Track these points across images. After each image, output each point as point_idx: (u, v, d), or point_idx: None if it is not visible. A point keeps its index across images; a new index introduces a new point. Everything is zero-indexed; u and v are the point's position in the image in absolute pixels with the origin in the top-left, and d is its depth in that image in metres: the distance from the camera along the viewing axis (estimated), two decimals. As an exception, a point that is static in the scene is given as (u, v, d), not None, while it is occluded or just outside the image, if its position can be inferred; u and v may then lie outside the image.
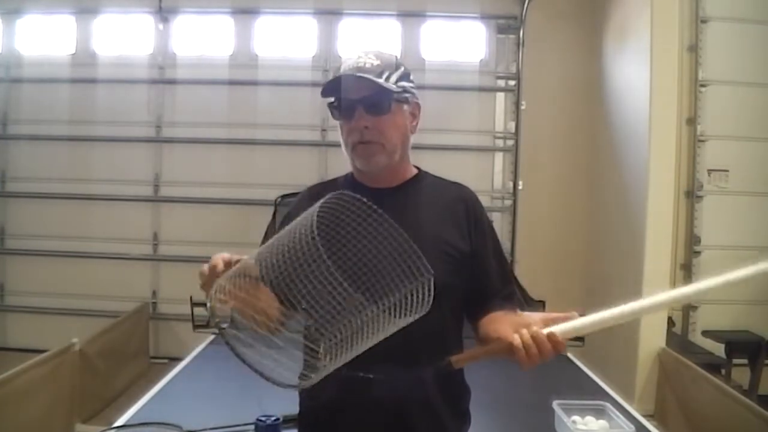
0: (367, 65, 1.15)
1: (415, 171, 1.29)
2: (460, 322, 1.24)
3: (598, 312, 1.02)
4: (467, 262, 1.20)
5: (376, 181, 1.22)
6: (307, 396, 1.25)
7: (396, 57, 1.22)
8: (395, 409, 1.15)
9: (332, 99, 1.18)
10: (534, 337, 0.98)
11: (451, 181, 1.31)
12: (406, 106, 1.21)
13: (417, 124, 1.25)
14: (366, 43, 4.47)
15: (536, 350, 0.97)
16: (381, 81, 1.14)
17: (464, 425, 1.27)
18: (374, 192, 1.17)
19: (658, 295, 1.06)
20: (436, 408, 1.19)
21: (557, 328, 0.99)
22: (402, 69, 1.20)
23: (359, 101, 1.14)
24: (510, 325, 1.03)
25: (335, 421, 1.19)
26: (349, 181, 1.26)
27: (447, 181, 1.30)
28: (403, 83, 1.19)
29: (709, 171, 4.19)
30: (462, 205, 1.25)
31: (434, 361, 1.13)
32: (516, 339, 0.98)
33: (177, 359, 2.60)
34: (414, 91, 1.23)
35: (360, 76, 1.12)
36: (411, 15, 4.53)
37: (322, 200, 0.92)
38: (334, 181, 1.30)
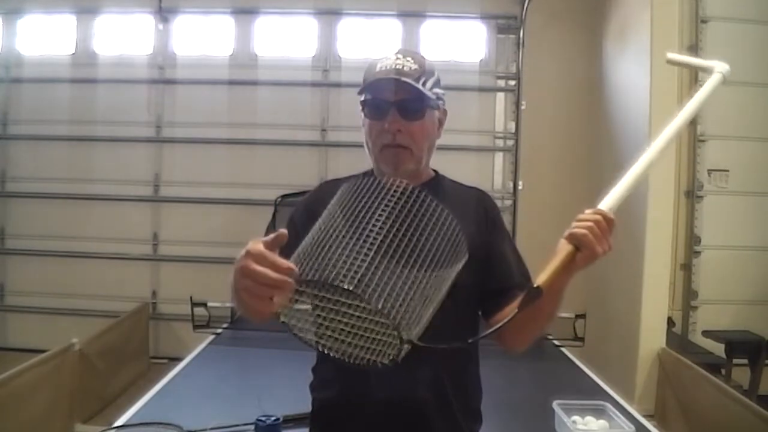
0: (406, 68, 1.15)
1: (433, 173, 1.30)
2: (476, 320, 1.24)
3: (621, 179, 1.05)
4: (485, 263, 1.20)
5: None
6: (320, 393, 1.26)
7: (431, 62, 1.22)
8: (412, 405, 1.15)
9: (363, 97, 1.19)
10: (583, 219, 0.98)
11: (468, 185, 1.32)
12: (436, 112, 1.22)
13: (442, 129, 1.26)
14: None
15: (596, 228, 0.96)
16: (422, 87, 1.14)
17: (476, 424, 1.27)
18: None
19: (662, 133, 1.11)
20: (451, 405, 1.19)
21: (601, 206, 1.01)
22: (436, 75, 1.21)
23: (394, 104, 1.14)
24: (559, 246, 1.01)
25: (350, 419, 1.19)
26: None
27: (464, 185, 1.32)
28: (436, 90, 1.20)
29: (709, 171, 4.19)
30: (481, 207, 1.27)
31: (448, 360, 1.15)
32: (574, 231, 0.97)
33: (177, 359, 2.60)
34: (444, 97, 1.24)
35: (404, 81, 1.13)
36: (411, 15, 4.53)
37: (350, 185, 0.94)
38: (351, 178, 1.30)
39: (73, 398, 3.05)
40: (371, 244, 0.85)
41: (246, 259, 0.81)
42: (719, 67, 1.23)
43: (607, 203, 1.02)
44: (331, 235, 0.87)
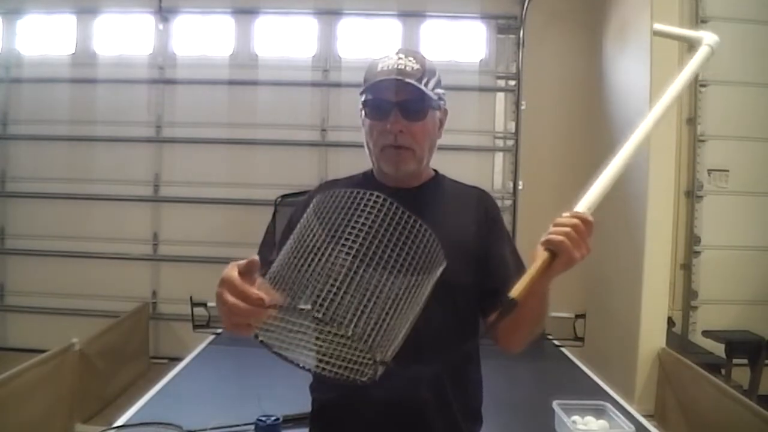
0: (408, 69, 1.14)
1: (433, 173, 1.30)
2: (477, 320, 1.24)
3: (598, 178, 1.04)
4: (484, 263, 1.20)
5: (397, 181, 1.22)
6: (320, 393, 1.26)
7: (432, 61, 1.21)
8: (411, 407, 1.15)
9: (365, 97, 1.18)
10: (560, 224, 0.96)
11: (469, 184, 1.32)
12: (437, 113, 1.22)
13: (443, 129, 1.26)
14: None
15: (574, 232, 0.95)
16: (424, 88, 1.14)
17: (476, 425, 1.27)
18: (395, 192, 1.17)
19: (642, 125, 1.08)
20: (451, 405, 1.19)
21: (577, 207, 0.99)
22: (437, 74, 1.20)
23: (396, 104, 1.14)
24: (536, 252, 0.98)
25: (350, 419, 1.19)
26: (369, 179, 1.26)
27: (464, 184, 1.32)
28: (438, 90, 1.20)
29: (709, 171, 4.20)
30: (482, 206, 1.27)
31: (450, 359, 1.14)
32: (551, 237, 0.95)
33: (177, 359, 2.60)
34: (445, 97, 1.23)
35: (407, 82, 1.12)
36: (411, 15, 4.53)
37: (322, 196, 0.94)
38: (351, 178, 1.30)
39: (73, 398, 3.05)
40: (342, 265, 0.85)
41: (221, 287, 0.86)
42: (708, 39, 1.17)
43: (585, 204, 1.00)
44: (304, 255, 0.87)
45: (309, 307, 0.82)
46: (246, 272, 0.86)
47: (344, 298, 0.82)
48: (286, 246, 0.91)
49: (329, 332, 0.88)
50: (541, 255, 0.96)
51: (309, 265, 0.86)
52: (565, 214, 0.98)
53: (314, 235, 0.89)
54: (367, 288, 0.84)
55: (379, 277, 0.86)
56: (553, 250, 0.95)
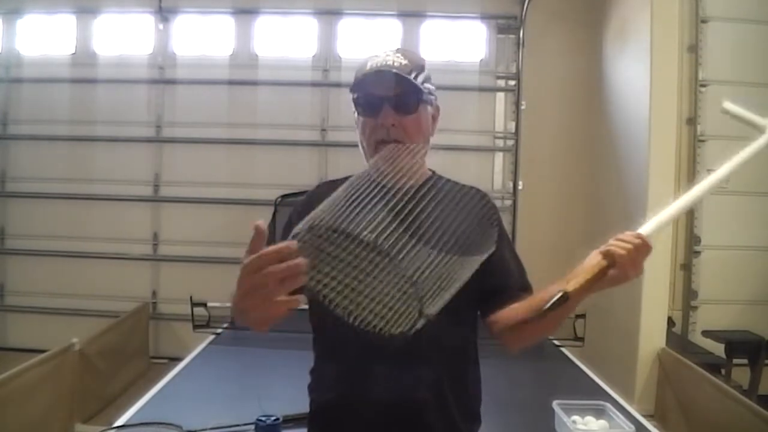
0: (396, 64, 1.15)
1: (429, 173, 1.29)
2: (476, 320, 1.24)
3: (666, 209, 1.05)
4: (483, 263, 1.20)
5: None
6: (318, 394, 1.25)
7: (422, 58, 1.22)
8: (410, 407, 1.15)
9: (356, 94, 1.18)
10: (624, 239, 0.97)
11: (467, 185, 1.31)
12: (429, 108, 1.22)
13: (436, 126, 1.26)
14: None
15: (635, 251, 0.97)
16: (412, 80, 1.14)
17: (475, 425, 1.27)
18: None
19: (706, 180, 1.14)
20: (450, 406, 1.18)
21: (641, 230, 1.01)
22: (426, 71, 1.20)
23: (387, 99, 1.14)
24: (589, 259, 1.01)
25: (349, 419, 1.19)
26: None
27: (462, 184, 1.31)
28: (427, 85, 1.20)
29: (709, 171, 4.18)
30: (479, 206, 1.26)
31: (449, 361, 1.14)
32: (612, 249, 0.97)
33: (177, 359, 2.60)
34: (435, 93, 1.23)
35: (396, 73, 1.12)
36: (411, 15, 4.53)
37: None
38: (348, 179, 1.29)
39: (73, 398, 3.05)
40: (400, 211, 0.82)
41: (242, 277, 0.78)
42: None
43: (648, 228, 1.01)
44: (364, 192, 0.84)
45: (369, 234, 0.77)
46: (257, 246, 0.78)
47: (403, 242, 0.78)
48: (337, 192, 0.87)
49: (379, 269, 0.82)
50: (598, 263, 0.97)
51: (368, 200, 0.82)
52: (628, 233, 0.99)
53: (372, 185, 0.87)
54: (425, 241, 0.81)
55: (440, 236, 0.84)
56: (611, 263, 0.96)
